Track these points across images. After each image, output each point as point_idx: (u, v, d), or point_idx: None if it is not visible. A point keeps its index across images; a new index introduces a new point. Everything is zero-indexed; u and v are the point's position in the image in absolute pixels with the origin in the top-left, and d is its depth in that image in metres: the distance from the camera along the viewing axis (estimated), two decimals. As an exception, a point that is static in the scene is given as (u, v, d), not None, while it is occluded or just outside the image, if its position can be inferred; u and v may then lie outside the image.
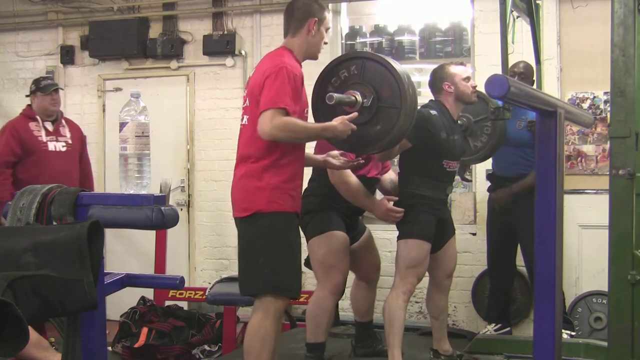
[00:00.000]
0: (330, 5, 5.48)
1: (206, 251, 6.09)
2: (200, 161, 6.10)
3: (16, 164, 4.69)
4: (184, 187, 6.13)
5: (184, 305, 5.41)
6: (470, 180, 5.21)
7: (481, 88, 2.67)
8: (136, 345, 4.67)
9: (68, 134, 4.87)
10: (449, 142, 3.71)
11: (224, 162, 5.66)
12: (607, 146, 4.69)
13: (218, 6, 6.07)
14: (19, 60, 6.57)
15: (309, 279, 5.50)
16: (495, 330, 4.71)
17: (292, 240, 3.13)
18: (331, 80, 3.27)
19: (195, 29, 6.13)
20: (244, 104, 3.18)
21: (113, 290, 2.45)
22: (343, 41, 5.89)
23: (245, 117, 3.13)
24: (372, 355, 4.05)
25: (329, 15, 3.26)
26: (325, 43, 3.29)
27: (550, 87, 4.94)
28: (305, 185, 3.84)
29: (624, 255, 2.99)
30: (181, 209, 6.00)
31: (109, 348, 4.60)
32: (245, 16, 6.00)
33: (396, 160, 4.01)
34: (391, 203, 3.68)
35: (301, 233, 3.78)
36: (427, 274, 3.86)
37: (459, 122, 3.95)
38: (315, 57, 3.28)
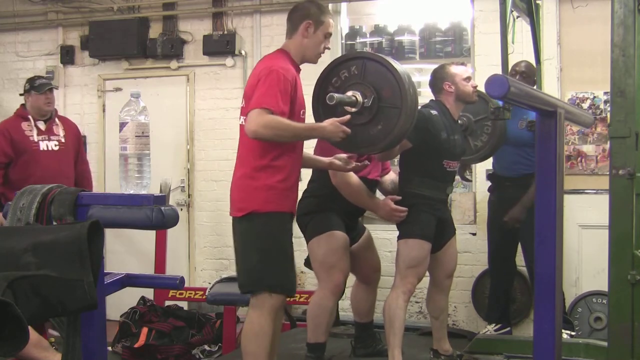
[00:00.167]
0: (330, 5, 5.48)
1: (206, 251, 6.09)
2: (200, 161, 6.10)
3: (8, 165, 4.69)
4: (184, 187, 6.13)
5: (184, 305, 5.41)
6: (470, 180, 5.21)
7: (481, 88, 2.67)
8: (136, 345, 4.67)
9: (61, 133, 4.84)
10: (450, 142, 3.71)
11: (224, 162, 5.66)
12: (607, 146, 4.69)
13: (218, 6, 6.07)
14: (19, 60, 6.57)
15: (309, 279, 5.50)
16: (495, 330, 4.71)
17: (286, 240, 3.16)
18: (332, 81, 3.27)
19: (195, 29, 6.13)
20: (241, 104, 3.20)
21: (113, 290, 2.45)
22: (343, 41, 5.89)
23: (242, 118, 3.16)
24: (372, 355, 4.05)
25: (330, 21, 3.23)
26: (328, 48, 3.28)
27: (550, 87, 4.94)
28: (305, 186, 3.86)
29: (624, 255, 2.99)
30: (181, 209, 6.00)
31: (109, 348, 4.60)
32: (245, 16, 6.00)
33: (396, 160, 4.01)
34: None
35: (301, 233, 3.81)
36: (427, 274, 3.86)
37: (459, 121, 3.95)
38: (312, 61, 3.28)
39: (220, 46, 5.93)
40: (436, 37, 5.69)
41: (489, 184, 4.89)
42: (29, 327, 1.51)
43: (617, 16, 3.03)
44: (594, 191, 5.01)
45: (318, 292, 3.75)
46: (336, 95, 3.09)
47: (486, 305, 5.00)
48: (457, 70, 3.82)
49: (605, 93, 4.93)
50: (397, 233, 3.78)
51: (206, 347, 4.74)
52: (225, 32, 5.97)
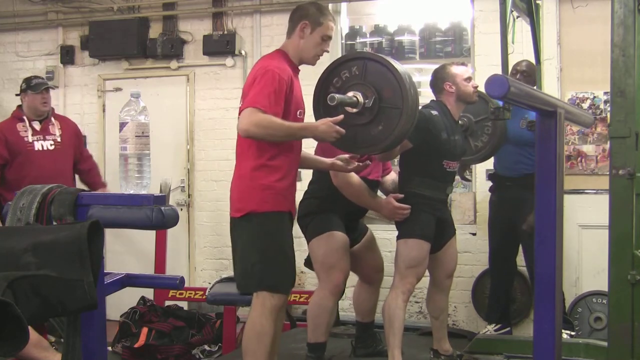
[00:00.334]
0: (330, 5, 5.48)
1: (206, 251, 6.09)
2: (200, 161, 6.10)
3: (5, 166, 4.70)
4: (184, 187, 6.13)
5: (184, 305, 5.41)
6: (470, 180, 5.21)
7: (481, 88, 2.67)
8: (136, 345, 4.67)
9: (57, 132, 4.84)
10: (450, 143, 3.71)
11: (224, 162, 5.66)
12: (607, 146, 4.69)
13: (218, 6, 6.07)
14: (19, 60, 6.57)
15: (309, 279, 5.50)
16: (495, 330, 4.71)
17: (284, 240, 3.16)
18: (332, 81, 3.27)
19: (195, 29, 6.13)
20: (240, 104, 3.20)
21: (113, 290, 2.45)
22: (343, 41, 5.89)
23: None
24: (372, 356, 4.05)
25: (329, 24, 3.22)
26: (326, 51, 3.27)
27: (550, 87, 4.94)
28: (305, 187, 3.86)
29: (624, 255, 2.99)
30: (181, 209, 6.00)
31: (109, 348, 4.60)
32: (245, 16, 6.00)
33: (396, 160, 4.01)
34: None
35: (302, 234, 3.81)
36: (427, 273, 3.86)
37: (459, 122, 3.95)
38: (309, 62, 3.27)
39: (220, 46, 5.93)
40: (436, 37, 5.69)
41: (489, 184, 4.89)
42: (29, 327, 1.51)
43: (617, 16, 3.03)
44: (594, 191, 5.01)
45: (318, 292, 3.75)
46: (337, 95, 3.09)
47: (486, 305, 5.00)
48: (458, 71, 3.82)
49: (605, 93, 4.93)
50: (397, 233, 3.78)
51: (206, 347, 4.74)
52: (225, 32, 5.97)
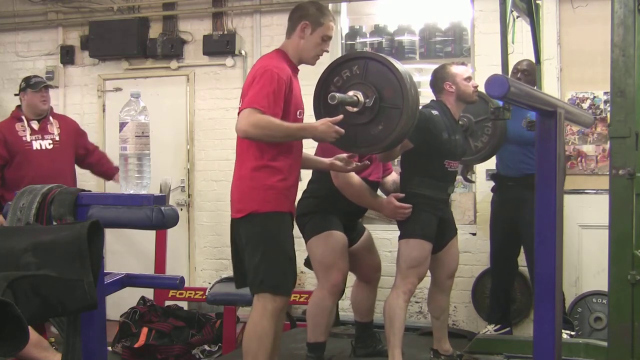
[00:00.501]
0: (330, 5, 5.48)
1: (206, 251, 6.09)
2: (200, 161, 6.10)
3: (4, 167, 4.70)
4: (184, 187, 6.13)
5: (184, 305, 5.41)
6: (474, 182, 5.21)
7: (481, 88, 2.67)
8: (136, 345, 4.67)
9: (56, 131, 4.83)
10: (451, 142, 3.71)
11: (224, 162, 5.66)
12: (607, 146, 4.69)
13: (218, 6, 6.07)
14: (19, 60, 6.57)
15: (309, 279, 5.50)
16: (495, 330, 4.70)
17: (285, 240, 3.14)
18: (333, 80, 3.26)
19: (195, 29, 6.13)
20: (239, 104, 3.20)
21: (113, 290, 2.45)
22: (343, 41, 5.89)
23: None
24: (372, 355, 4.05)
25: (330, 24, 3.21)
26: (326, 51, 3.26)
27: (550, 87, 4.94)
28: (305, 186, 3.86)
29: (624, 255, 2.99)
30: (181, 209, 6.00)
31: (109, 348, 4.60)
32: (245, 16, 6.00)
33: (397, 160, 4.01)
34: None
35: (300, 234, 3.81)
36: (428, 273, 3.86)
37: (460, 122, 3.95)
38: (309, 63, 3.27)
39: (220, 46, 5.93)
40: (436, 37, 5.69)
41: (489, 184, 4.89)
42: (29, 327, 1.51)
43: (617, 16, 3.03)
44: (594, 191, 5.01)
45: (317, 292, 3.75)
46: (338, 95, 3.09)
47: (486, 305, 5.00)
48: (458, 70, 3.82)
49: (605, 93, 4.93)
50: (397, 233, 3.78)
51: (206, 347, 4.74)
52: (225, 32, 5.97)
